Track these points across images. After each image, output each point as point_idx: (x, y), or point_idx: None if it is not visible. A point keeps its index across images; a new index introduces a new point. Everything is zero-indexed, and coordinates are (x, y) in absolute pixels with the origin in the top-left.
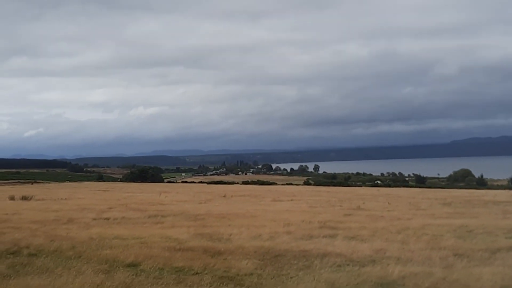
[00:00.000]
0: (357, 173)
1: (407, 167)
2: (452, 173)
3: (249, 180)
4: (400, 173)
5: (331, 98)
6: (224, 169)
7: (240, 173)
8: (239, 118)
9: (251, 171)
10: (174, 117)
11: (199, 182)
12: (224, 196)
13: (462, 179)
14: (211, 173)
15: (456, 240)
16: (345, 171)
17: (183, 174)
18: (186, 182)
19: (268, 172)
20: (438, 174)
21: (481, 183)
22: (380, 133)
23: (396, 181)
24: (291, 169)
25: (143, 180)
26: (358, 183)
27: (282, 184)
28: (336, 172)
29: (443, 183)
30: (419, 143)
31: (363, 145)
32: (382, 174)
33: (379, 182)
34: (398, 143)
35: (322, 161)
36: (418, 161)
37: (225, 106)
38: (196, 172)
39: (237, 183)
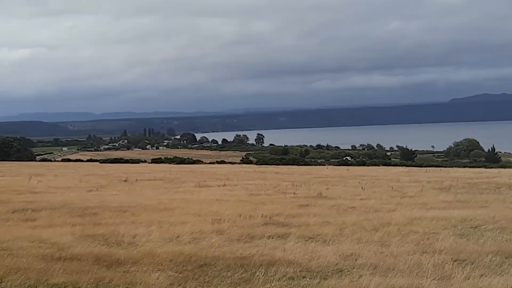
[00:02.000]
0: (318, 146)
1: (390, 137)
2: (452, 145)
3: (162, 157)
4: (379, 146)
5: (285, 38)
6: (126, 141)
7: (149, 147)
8: (149, 66)
9: (165, 143)
10: (54, 64)
11: (88, 160)
12: (126, 181)
13: (466, 154)
14: (106, 146)
15: (456, 239)
16: (302, 143)
17: (65, 148)
18: (69, 160)
19: (190, 146)
20: (433, 147)
21: (492, 159)
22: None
23: (373, 157)
24: (224, 140)
25: (4, 157)
26: (319, 161)
27: (210, 163)
28: (289, 144)
29: (440, 159)
30: (406, 102)
31: (327, 105)
32: (354, 148)
33: (349, 158)
34: (378, 102)
35: (268, 128)
36: (405, 128)
37: (129, 48)
38: (84, 146)
39: (145, 161)
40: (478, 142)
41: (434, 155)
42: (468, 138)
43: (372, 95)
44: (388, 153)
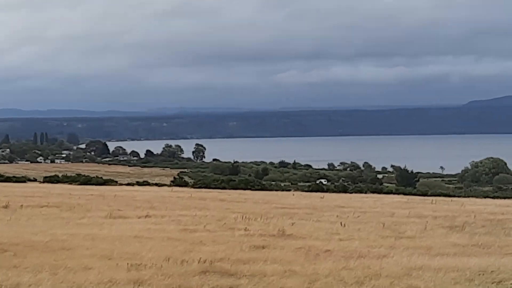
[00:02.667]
0: (282, 164)
1: (382, 153)
2: (469, 167)
3: (60, 175)
4: (367, 165)
5: (238, 10)
6: (7, 150)
7: (41, 159)
8: (45, 44)
9: (63, 155)
10: None
11: None
12: (6, 207)
13: (488, 179)
14: None
15: None
16: (258, 159)
17: None
18: None
19: (100, 159)
20: (442, 168)
21: None
22: (331, 82)
23: (358, 180)
24: (148, 152)
25: None
26: (283, 184)
27: (128, 184)
28: (240, 161)
29: (451, 185)
30: (406, 104)
31: (295, 106)
32: (331, 167)
33: (324, 182)
34: (366, 103)
35: (212, 137)
36: (404, 141)
37: (17, 18)
38: None
39: (35, 179)
40: (506, 163)
41: (443, 180)
42: (492, 157)
43: (358, 93)
44: (379, 176)
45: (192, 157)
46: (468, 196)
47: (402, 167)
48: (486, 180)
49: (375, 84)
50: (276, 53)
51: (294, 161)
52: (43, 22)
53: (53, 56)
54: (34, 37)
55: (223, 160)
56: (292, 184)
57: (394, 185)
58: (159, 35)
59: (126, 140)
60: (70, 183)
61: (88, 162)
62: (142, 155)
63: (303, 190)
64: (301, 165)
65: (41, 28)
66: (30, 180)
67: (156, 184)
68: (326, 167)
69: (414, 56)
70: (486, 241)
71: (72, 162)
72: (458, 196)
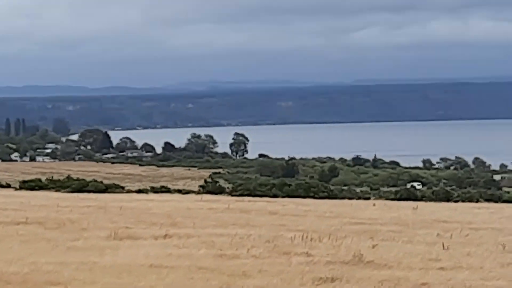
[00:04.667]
0: (356, 161)
1: (501, 145)
2: None
3: (43, 178)
4: (479, 162)
5: None
6: None
7: (16, 156)
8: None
9: (48, 150)
10: None
11: None
12: None
13: None
14: None
15: None
16: (323, 154)
17: None
18: None
19: (100, 155)
20: None
21: None
22: (428, 42)
23: (466, 183)
24: (167, 146)
25: None
26: (358, 190)
27: (139, 191)
28: (297, 157)
29: None
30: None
31: (377, 78)
32: (428, 165)
33: (418, 186)
34: (480, 74)
35: (257, 123)
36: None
37: None
38: None
39: (8, 185)
40: None
41: None
42: None
43: (467, 58)
44: (497, 177)
45: (229, 152)
46: None
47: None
48: None
49: (491, 46)
50: (351, 1)
51: (375, 156)
52: None
53: (33, 8)
54: None
55: (273, 156)
56: (372, 189)
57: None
58: None
59: (135, 129)
60: (58, 190)
61: (83, 160)
62: (158, 150)
63: (387, 198)
64: (385, 163)
65: None
66: (1, 186)
67: (179, 191)
68: (421, 165)
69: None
70: None
71: (60, 160)
72: None
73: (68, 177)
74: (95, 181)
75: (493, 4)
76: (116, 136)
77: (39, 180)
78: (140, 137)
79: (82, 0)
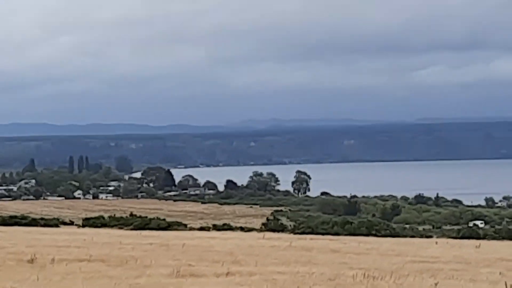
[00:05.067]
0: (419, 200)
1: None
2: None
3: (106, 216)
4: None
5: None
6: (33, 181)
7: (79, 193)
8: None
9: (111, 188)
10: None
11: None
12: (31, 261)
13: None
14: None
15: None
16: (385, 192)
17: None
18: None
19: (162, 193)
20: None
21: None
22: (492, 80)
23: None
24: (230, 183)
25: None
26: (421, 228)
27: (201, 228)
28: (360, 195)
29: None
30: None
31: (441, 117)
32: (491, 203)
33: (481, 225)
34: None
35: (320, 161)
36: None
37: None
38: None
39: (72, 222)
40: None
41: None
42: None
43: None
44: None
45: (291, 190)
46: None
47: None
48: None
49: None
50: (414, 41)
51: (437, 195)
52: (85, 2)
53: (98, 48)
54: (73, 23)
55: (335, 195)
56: (434, 227)
57: None
58: (247, 17)
59: (198, 167)
60: (121, 228)
61: (145, 198)
62: (221, 188)
63: (450, 237)
64: (447, 201)
65: (84, 10)
66: (64, 223)
67: (242, 229)
68: (484, 203)
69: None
70: None
71: (122, 198)
72: None
73: (131, 215)
74: (158, 218)
75: None
76: (178, 174)
77: (102, 217)
78: (202, 175)
79: (147, 39)
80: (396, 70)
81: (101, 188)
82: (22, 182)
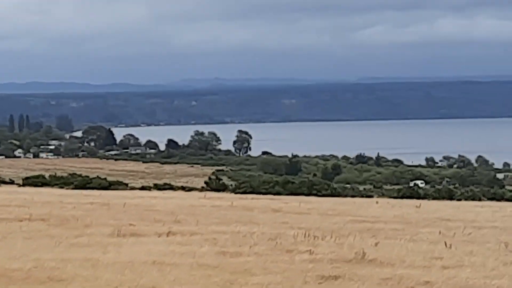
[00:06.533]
0: (359, 159)
1: (504, 143)
2: None
3: (47, 175)
4: (481, 161)
5: None
6: None
7: (20, 152)
8: None
9: (52, 146)
10: None
11: None
12: None
13: None
14: None
15: None
16: (326, 152)
17: None
18: None
19: (103, 152)
20: None
21: None
22: (434, 41)
23: (469, 181)
24: (171, 143)
25: None
26: (361, 188)
27: (143, 188)
28: (301, 154)
29: None
30: None
31: (380, 76)
32: (431, 163)
33: (421, 184)
34: (483, 73)
35: (261, 121)
36: None
37: None
38: None
39: (12, 181)
40: None
41: None
42: None
43: (472, 57)
44: (500, 176)
45: (233, 149)
46: None
47: None
48: None
49: (496, 44)
50: (356, 0)
51: (378, 154)
52: None
53: (41, 6)
54: None
55: (276, 154)
56: (375, 187)
57: None
58: None
59: (139, 126)
60: (61, 187)
61: (86, 157)
62: (162, 147)
63: (390, 197)
64: (388, 161)
65: None
66: (4, 182)
67: (183, 188)
68: (424, 163)
69: None
70: None
71: (63, 157)
72: None
73: (72, 174)
74: (99, 178)
75: (499, 3)
76: (119, 133)
77: (43, 176)
78: (143, 134)
79: None
80: (338, 30)
81: (42, 147)
82: None
